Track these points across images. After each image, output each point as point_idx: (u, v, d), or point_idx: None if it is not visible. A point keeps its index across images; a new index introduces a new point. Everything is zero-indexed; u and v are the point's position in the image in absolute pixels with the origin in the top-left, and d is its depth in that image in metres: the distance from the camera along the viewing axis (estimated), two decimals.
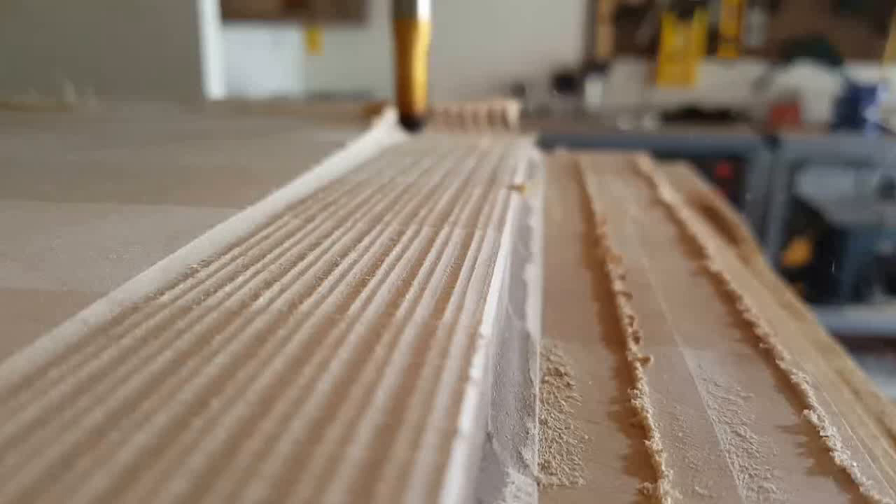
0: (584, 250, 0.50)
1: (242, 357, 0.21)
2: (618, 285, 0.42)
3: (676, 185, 0.72)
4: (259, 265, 0.29)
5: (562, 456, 0.26)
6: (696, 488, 0.24)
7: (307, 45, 2.66)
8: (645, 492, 0.24)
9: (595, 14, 2.55)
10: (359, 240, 0.33)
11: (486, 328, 0.23)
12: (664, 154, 0.90)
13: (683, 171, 0.82)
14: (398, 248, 0.31)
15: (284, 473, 0.15)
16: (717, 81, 2.55)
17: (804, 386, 0.31)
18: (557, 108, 2.55)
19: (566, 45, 2.59)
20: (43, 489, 0.15)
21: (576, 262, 0.47)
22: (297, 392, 0.19)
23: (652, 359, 0.33)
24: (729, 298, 0.41)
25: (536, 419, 0.28)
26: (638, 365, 0.33)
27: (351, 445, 0.16)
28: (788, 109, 2.46)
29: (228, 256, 0.30)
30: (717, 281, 0.44)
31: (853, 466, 0.25)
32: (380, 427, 0.17)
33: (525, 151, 0.61)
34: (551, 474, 0.25)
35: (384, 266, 0.29)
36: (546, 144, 0.83)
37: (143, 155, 0.50)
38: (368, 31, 2.47)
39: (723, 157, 2.18)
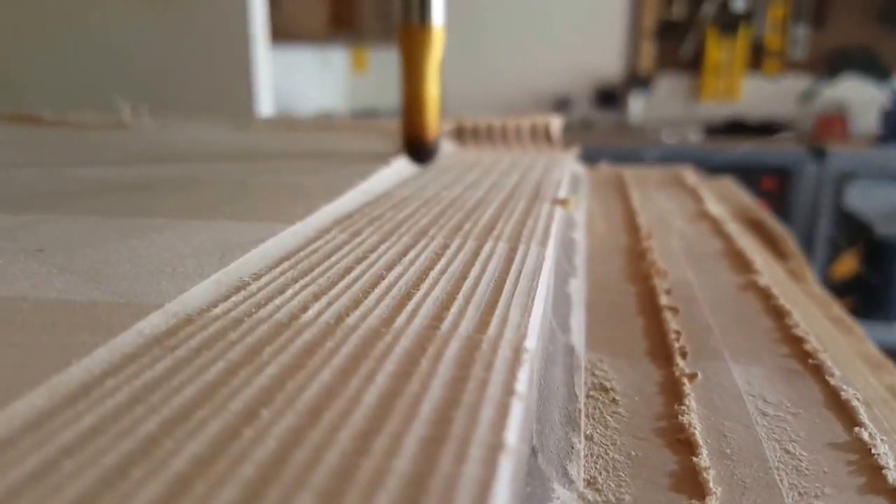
0: (628, 264, 0.49)
1: (291, 368, 0.21)
2: (664, 299, 0.42)
3: (722, 199, 0.71)
4: (308, 278, 0.29)
5: (608, 472, 0.26)
6: None
7: (353, 64, 2.69)
8: None
9: (638, 29, 2.55)
10: (404, 254, 0.33)
11: (531, 342, 0.23)
12: (709, 168, 0.89)
13: (728, 184, 0.81)
14: (442, 262, 0.32)
15: (332, 485, 0.16)
16: (762, 95, 2.52)
17: (854, 402, 0.30)
18: (600, 122, 2.54)
19: (609, 60, 2.58)
20: (98, 497, 0.15)
21: (620, 276, 0.47)
22: (345, 403, 0.19)
23: (699, 374, 0.33)
24: (777, 313, 0.41)
25: (582, 434, 0.28)
26: (685, 380, 0.32)
27: (397, 458, 0.17)
28: (835, 122, 2.43)
29: (278, 270, 0.30)
30: (764, 296, 0.43)
31: None
32: (425, 440, 0.17)
33: (568, 165, 0.61)
34: (597, 490, 0.25)
35: (429, 280, 0.29)
36: (589, 158, 0.82)
37: (196, 172, 0.50)
38: None
39: (768, 170, 2.15)
